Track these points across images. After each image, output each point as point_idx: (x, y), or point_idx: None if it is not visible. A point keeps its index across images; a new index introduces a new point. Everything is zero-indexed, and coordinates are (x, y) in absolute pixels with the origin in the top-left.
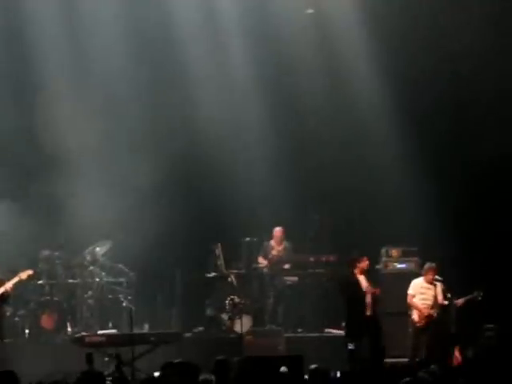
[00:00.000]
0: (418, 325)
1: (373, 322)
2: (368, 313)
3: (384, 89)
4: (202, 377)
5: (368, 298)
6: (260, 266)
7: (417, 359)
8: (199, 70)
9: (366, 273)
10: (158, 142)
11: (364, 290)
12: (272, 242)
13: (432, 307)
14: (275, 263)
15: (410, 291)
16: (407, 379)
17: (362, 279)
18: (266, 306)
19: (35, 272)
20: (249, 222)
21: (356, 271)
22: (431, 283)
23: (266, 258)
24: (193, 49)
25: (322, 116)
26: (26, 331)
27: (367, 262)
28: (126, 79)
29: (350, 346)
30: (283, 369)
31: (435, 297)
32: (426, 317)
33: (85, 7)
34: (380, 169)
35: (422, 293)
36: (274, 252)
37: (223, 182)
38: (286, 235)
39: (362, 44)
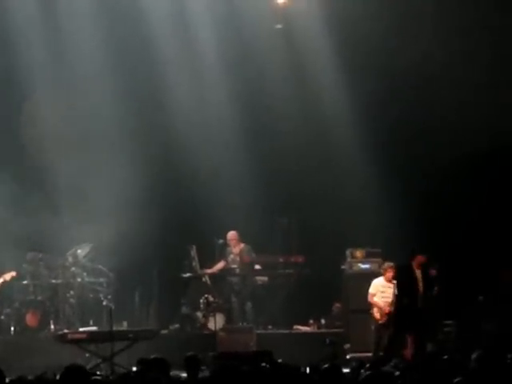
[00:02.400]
0: (380, 322)
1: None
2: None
3: (349, 97)
4: (172, 373)
5: (421, 291)
6: (215, 269)
7: (379, 354)
8: (173, 77)
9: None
10: (134, 147)
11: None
12: (230, 246)
13: (391, 305)
14: (246, 264)
15: (371, 290)
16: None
17: (418, 272)
18: (238, 305)
19: (18, 273)
20: (221, 225)
21: (413, 262)
22: (390, 281)
23: (225, 260)
24: (168, 58)
25: (290, 123)
26: (12, 329)
27: (424, 258)
28: (102, 87)
29: (327, 341)
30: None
31: (395, 295)
32: (387, 314)
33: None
34: (345, 173)
35: (383, 291)
36: (231, 255)
37: (197, 185)
38: (248, 237)
39: (329, 56)
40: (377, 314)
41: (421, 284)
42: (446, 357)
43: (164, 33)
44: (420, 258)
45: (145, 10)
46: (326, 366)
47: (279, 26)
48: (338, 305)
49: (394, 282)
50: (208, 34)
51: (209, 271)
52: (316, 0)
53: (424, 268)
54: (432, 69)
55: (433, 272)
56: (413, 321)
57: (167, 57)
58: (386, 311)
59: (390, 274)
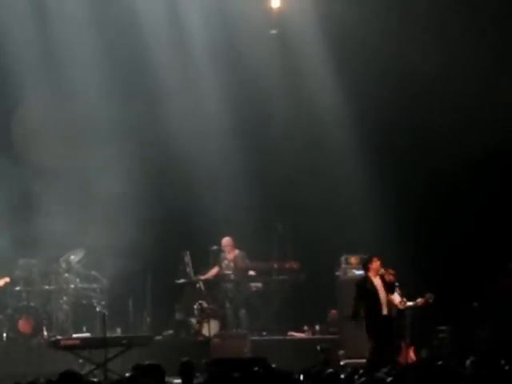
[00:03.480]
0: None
1: (390, 320)
2: (385, 312)
3: (345, 102)
4: (166, 379)
5: (383, 298)
6: (209, 275)
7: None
8: (167, 83)
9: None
10: (128, 153)
11: (379, 290)
12: (224, 252)
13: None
14: (241, 270)
15: None
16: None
17: (377, 281)
18: (233, 311)
19: (12, 279)
20: (216, 231)
21: (370, 274)
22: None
23: (219, 266)
24: (162, 63)
25: (285, 128)
26: (4, 335)
27: (379, 263)
28: (96, 92)
29: (318, 348)
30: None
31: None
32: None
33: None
34: (340, 179)
35: None
36: (226, 261)
37: (192, 191)
38: (243, 243)
39: (324, 61)
40: None
41: (382, 292)
42: (440, 363)
43: (157, 36)
44: (376, 266)
45: (138, 16)
46: (326, 372)
47: (274, 32)
48: (334, 311)
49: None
50: (202, 38)
51: (203, 277)
52: (310, 4)
53: (382, 274)
54: (427, 74)
55: (391, 278)
56: (381, 329)
57: (161, 62)
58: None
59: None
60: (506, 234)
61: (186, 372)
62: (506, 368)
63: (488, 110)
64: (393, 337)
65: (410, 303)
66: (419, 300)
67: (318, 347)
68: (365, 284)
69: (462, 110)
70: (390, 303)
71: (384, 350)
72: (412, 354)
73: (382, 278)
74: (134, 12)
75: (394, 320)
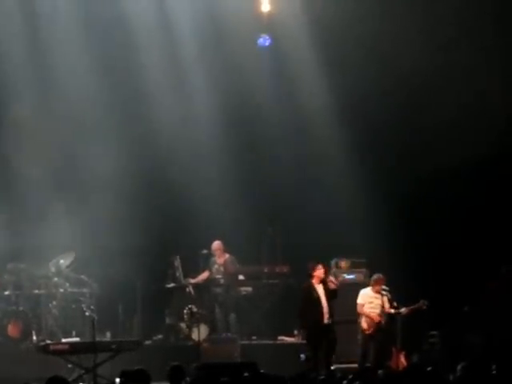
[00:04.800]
0: (367, 332)
1: (329, 330)
2: (327, 320)
3: (337, 106)
4: None
5: (324, 306)
6: (199, 279)
7: (365, 365)
8: (158, 90)
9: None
10: (118, 157)
11: (321, 298)
12: (214, 256)
13: (380, 315)
14: (230, 275)
15: (360, 300)
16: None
17: (319, 288)
18: (222, 315)
19: (1, 283)
20: (206, 235)
21: (313, 280)
22: (378, 293)
23: (209, 271)
24: (152, 65)
25: (276, 133)
26: None
27: (322, 270)
28: (86, 99)
29: (303, 357)
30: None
31: (382, 306)
32: (375, 324)
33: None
34: (331, 183)
35: (370, 302)
36: (216, 265)
37: (182, 196)
38: (233, 247)
39: (315, 65)
40: (364, 325)
41: (324, 300)
42: (429, 369)
43: (147, 42)
44: (319, 273)
45: (129, 23)
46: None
47: (267, 38)
48: None
49: (383, 292)
50: (191, 43)
51: (193, 281)
52: (300, 8)
53: (325, 282)
54: (419, 77)
55: (331, 285)
56: (320, 338)
57: (151, 64)
58: (375, 321)
59: (378, 286)
60: (497, 238)
61: (175, 376)
62: (494, 373)
63: (483, 112)
64: (331, 344)
65: (402, 309)
66: (412, 306)
67: (303, 356)
68: (308, 291)
69: (455, 112)
70: (332, 311)
71: (317, 356)
72: (403, 359)
73: (325, 285)
74: (124, 21)
75: (384, 325)
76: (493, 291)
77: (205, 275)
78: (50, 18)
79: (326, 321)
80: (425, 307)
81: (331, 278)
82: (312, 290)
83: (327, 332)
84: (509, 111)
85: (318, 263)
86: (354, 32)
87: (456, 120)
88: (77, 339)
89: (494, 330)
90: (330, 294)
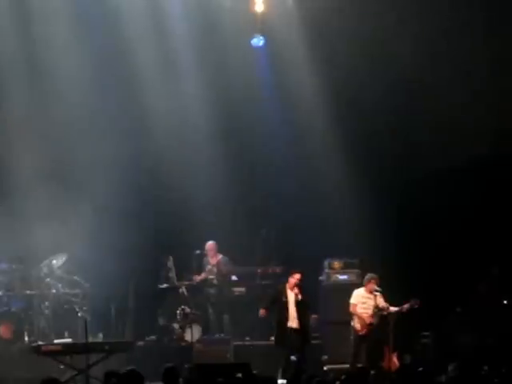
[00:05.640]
0: (360, 333)
1: (300, 335)
2: (294, 325)
3: (331, 108)
4: None
5: (292, 312)
6: (194, 280)
7: (357, 365)
8: (150, 93)
9: (299, 287)
10: (112, 159)
11: (289, 303)
12: (207, 256)
13: (372, 316)
14: (224, 275)
15: (352, 301)
16: None
17: (291, 294)
18: (215, 316)
19: None
20: (199, 236)
21: (287, 285)
22: (371, 293)
23: (204, 271)
24: (146, 67)
25: (270, 133)
26: None
27: (296, 277)
28: (81, 102)
29: (293, 358)
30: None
31: (375, 306)
32: (368, 325)
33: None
34: (324, 184)
35: (363, 302)
36: (209, 266)
37: (176, 196)
38: (226, 248)
39: (309, 65)
40: (357, 325)
41: (293, 306)
42: (421, 369)
43: (140, 39)
44: (292, 280)
45: (123, 22)
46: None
47: (261, 38)
48: (314, 316)
49: (376, 293)
50: (185, 42)
51: (199, 278)
52: (295, 8)
53: (299, 289)
54: (414, 77)
55: (298, 297)
56: (285, 341)
57: (144, 69)
58: (368, 322)
59: (371, 286)
60: (488, 239)
61: (169, 378)
62: (485, 373)
63: (476, 114)
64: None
65: (394, 309)
66: (404, 306)
67: (294, 358)
68: (279, 294)
69: (448, 114)
70: (301, 316)
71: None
72: (395, 360)
73: (298, 291)
74: (118, 20)
75: (377, 326)
76: (483, 292)
77: (204, 275)
78: (41, 15)
79: (290, 324)
80: (416, 306)
81: (295, 290)
82: (282, 294)
83: (296, 337)
84: (503, 112)
85: (297, 272)
86: (350, 31)
87: (449, 121)
88: (69, 340)
89: (485, 330)
90: (300, 304)
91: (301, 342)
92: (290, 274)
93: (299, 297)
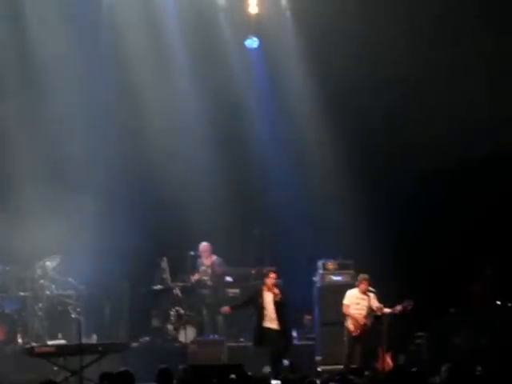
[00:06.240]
0: (353, 334)
1: (281, 335)
2: (274, 326)
3: (325, 107)
4: None
5: (270, 313)
6: (190, 280)
7: (351, 366)
8: (146, 97)
9: (279, 287)
10: (107, 159)
11: (265, 304)
12: (201, 258)
13: (366, 316)
14: (218, 276)
15: (345, 301)
16: None
17: (267, 295)
18: (209, 317)
19: None
20: (193, 237)
21: (264, 287)
22: (365, 293)
23: (197, 272)
24: (142, 75)
25: (263, 134)
26: None
27: (273, 276)
28: (81, 107)
29: (285, 362)
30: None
31: (369, 307)
32: (361, 326)
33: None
34: (318, 185)
35: (357, 303)
36: (203, 267)
37: (170, 197)
38: (220, 249)
39: (303, 67)
40: (351, 326)
41: (270, 307)
42: (414, 369)
43: (135, 38)
44: (269, 280)
45: (116, 21)
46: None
47: (255, 40)
48: (308, 317)
49: (369, 294)
50: (179, 43)
51: (195, 278)
52: (290, 9)
53: (278, 288)
54: (408, 82)
55: (275, 296)
56: (261, 341)
57: (138, 66)
58: (361, 323)
59: (364, 286)
60: (482, 240)
61: (163, 379)
62: (478, 374)
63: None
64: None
65: (387, 310)
66: (398, 307)
67: (286, 362)
68: (256, 295)
69: (445, 111)
70: (281, 317)
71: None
72: (389, 360)
73: (278, 291)
74: (114, 21)
75: (371, 326)
76: (477, 292)
77: (195, 277)
78: (35, 17)
79: (268, 325)
80: (410, 307)
81: (275, 290)
82: (258, 295)
83: (277, 338)
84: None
85: (272, 271)
86: (344, 33)
87: (445, 120)
88: (63, 341)
89: (478, 330)
90: (279, 304)
91: (283, 342)
92: (266, 275)
93: (279, 297)
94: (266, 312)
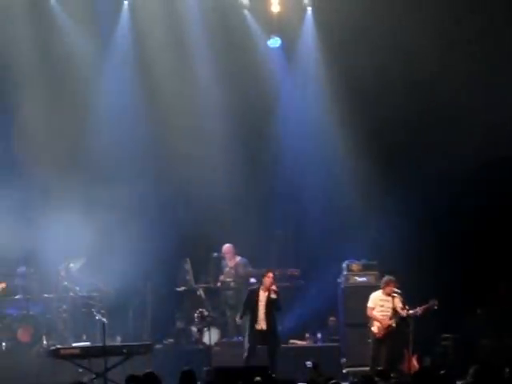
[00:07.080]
0: (378, 336)
1: (267, 337)
2: (264, 327)
3: (345, 110)
4: None
5: (261, 313)
6: (219, 281)
7: (377, 368)
8: (169, 100)
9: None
10: (131, 165)
11: (259, 304)
12: (225, 259)
13: (391, 318)
14: (241, 277)
15: (370, 304)
16: None
17: (263, 295)
18: (233, 319)
19: (7, 285)
20: (217, 238)
21: (261, 287)
22: (390, 295)
23: (222, 273)
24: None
25: (286, 135)
26: (3, 344)
27: (270, 275)
28: (98, 103)
29: (309, 364)
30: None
31: (393, 308)
32: (386, 328)
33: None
34: (342, 185)
35: (381, 305)
36: (227, 268)
37: (193, 198)
38: (244, 250)
39: (325, 68)
40: (375, 329)
41: (263, 307)
42: (442, 372)
43: (158, 41)
44: (266, 280)
45: (138, 22)
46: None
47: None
48: (332, 318)
49: (394, 295)
50: (202, 44)
51: (222, 278)
52: (310, 9)
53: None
54: (426, 83)
55: (272, 294)
56: (255, 343)
57: (163, 71)
58: (385, 325)
59: (389, 288)
60: (509, 240)
61: (187, 381)
62: (507, 376)
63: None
64: (270, 351)
65: (412, 311)
66: (423, 306)
67: (309, 364)
68: (251, 295)
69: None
70: (270, 319)
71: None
72: (415, 362)
73: (269, 293)
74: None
75: (396, 328)
76: (504, 292)
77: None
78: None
79: (259, 327)
80: (435, 307)
81: (273, 288)
82: (254, 296)
83: (265, 339)
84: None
85: (269, 271)
86: (364, 35)
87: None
88: (87, 343)
89: (505, 331)
90: (271, 303)
91: (270, 343)
92: (263, 274)
93: (272, 296)
94: (258, 313)
